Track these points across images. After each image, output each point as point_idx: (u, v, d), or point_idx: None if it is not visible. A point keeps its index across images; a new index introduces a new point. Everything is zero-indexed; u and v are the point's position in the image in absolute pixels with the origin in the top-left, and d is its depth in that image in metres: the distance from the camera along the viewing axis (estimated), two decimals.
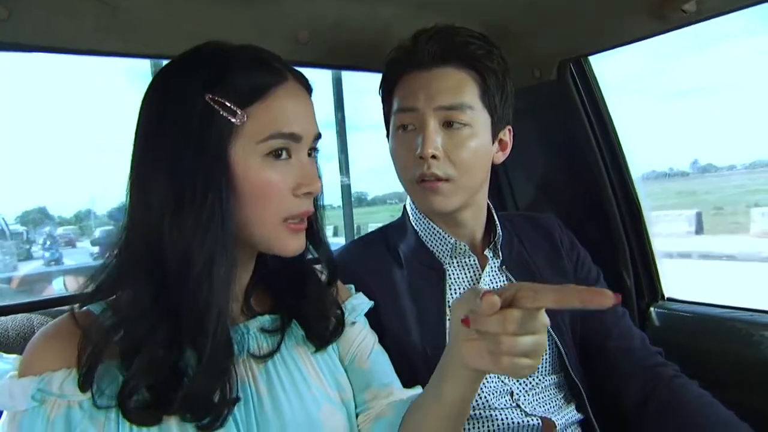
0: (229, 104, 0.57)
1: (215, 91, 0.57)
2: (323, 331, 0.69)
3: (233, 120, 0.57)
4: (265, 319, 0.68)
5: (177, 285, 0.55)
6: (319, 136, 0.65)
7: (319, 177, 0.64)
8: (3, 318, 0.86)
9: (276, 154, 0.60)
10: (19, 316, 0.88)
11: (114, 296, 0.60)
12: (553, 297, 0.46)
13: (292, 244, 0.63)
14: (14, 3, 0.77)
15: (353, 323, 0.75)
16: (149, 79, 0.62)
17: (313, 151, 0.65)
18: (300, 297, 0.70)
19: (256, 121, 0.58)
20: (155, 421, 0.55)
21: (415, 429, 0.63)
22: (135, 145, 0.60)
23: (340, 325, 0.71)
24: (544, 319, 0.48)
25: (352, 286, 0.81)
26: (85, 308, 0.60)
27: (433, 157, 0.83)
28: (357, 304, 0.77)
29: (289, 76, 0.62)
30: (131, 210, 0.59)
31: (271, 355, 0.65)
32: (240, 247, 0.61)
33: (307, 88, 0.65)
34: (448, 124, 0.85)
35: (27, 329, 0.85)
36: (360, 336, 0.76)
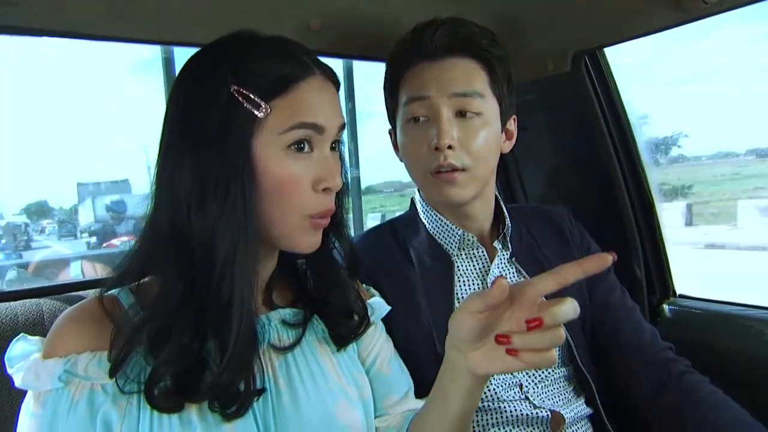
0: (253, 96, 0.56)
1: (240, 82, 0.56)
2: (347, 328, 0.69)
3: (256, 112, 0.57)
4: (287, 312, 0.68)
5: (203, 274, 0.55)
6: (343, 126, 0.64)
7: (345, 170, 0.64)
8: (13, 303, 0.86)
9: (298, 146, 0.59)
10: (29, 301, 0.87)
11: (138, 282, 0.61)
12: (553, 279, 0.49)
13: (308, 240, 0.63)
14: None
15: (372, 324, 0.75)
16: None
17: (337, 143, 0.65)
18: (324, 291, 0.69)
19: (280, 113, 0.58)
20: (178, 407, 0.55)
21: None
22: (162, 134, 0.60)
23: (363, 322, 0.71)
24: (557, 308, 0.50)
25: (372, 289, 0.81)
26: (110, 293, 0.61)
27: (449, 147, 0.82)
28: (376, 307, 0.77)
29: (316, 70, 0.61)
30: (157, 198, 0.59)
31: (292, 347, 0.65)
32: (262, 242, 0.61)
33: (334, 82, 0.64)
34: (460, 114, 0.84)
35: (36, 315, 0.85)
36: (380, 339, 0.76)
